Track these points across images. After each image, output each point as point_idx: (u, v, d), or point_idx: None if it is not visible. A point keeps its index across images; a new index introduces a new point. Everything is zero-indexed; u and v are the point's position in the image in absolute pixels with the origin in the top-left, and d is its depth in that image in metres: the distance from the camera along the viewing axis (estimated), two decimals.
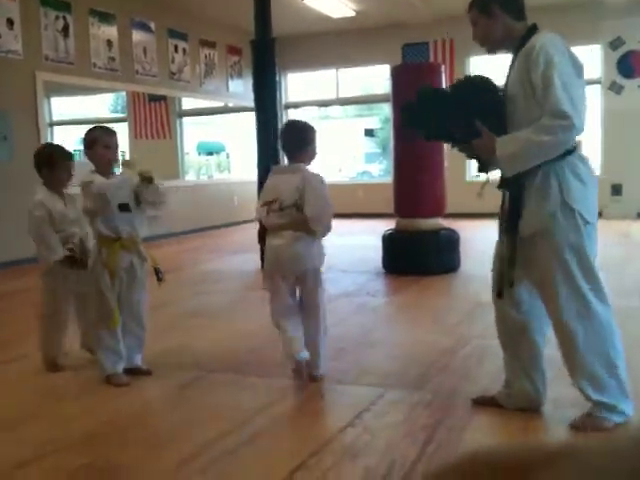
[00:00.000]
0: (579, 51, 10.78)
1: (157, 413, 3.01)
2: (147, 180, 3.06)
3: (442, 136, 2.85)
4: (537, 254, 2.47)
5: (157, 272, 3.29)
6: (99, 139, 3.18)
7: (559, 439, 2.52)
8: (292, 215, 2.99)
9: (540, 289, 2.52)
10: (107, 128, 3.35)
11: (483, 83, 2.60)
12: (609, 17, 10.11)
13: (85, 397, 3.14)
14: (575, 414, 2.67)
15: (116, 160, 3.24)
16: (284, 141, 3.17)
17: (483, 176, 2.69)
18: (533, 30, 2.52)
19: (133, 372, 3.31)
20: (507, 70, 2.58)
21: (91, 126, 3.33)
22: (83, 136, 3.26)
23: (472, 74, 2.76)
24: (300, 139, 3.10)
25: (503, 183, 2.57)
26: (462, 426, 2.61)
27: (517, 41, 2.51)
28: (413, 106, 2.71)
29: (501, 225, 2.64)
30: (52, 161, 3.40)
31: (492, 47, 2.60)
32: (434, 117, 2.63)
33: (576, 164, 2.43)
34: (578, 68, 2.40)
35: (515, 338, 2.64)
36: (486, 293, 5.12)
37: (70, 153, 3.55)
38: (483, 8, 2.54)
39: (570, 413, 2.67)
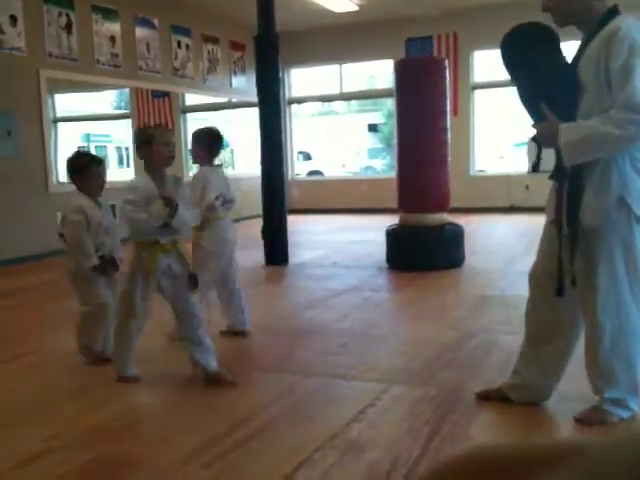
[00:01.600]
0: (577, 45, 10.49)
1: (163, 408, 3.02)
2: (169, 205, 2.98)
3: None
4: (587, 247, 2.38)
5: (191, 278, 3.15)
6: (158, 135, 3.11)
7: (564, 435, 2.52)
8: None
9: (581, 279, 2.43)
10: (162, 126, 3.43)
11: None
12: None
13: (91, 393, 3.15)
14: (580, 408, 2.67)
15: (173, 157, 3.14)
16: (218, 145, 3.72)
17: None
18: (615, 12, 2.31)
19: (215, 380, 3.13)
20: (576, 52, 2.39)
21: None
22: (137, 134, 3.19)
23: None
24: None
25: (558, 174, 2.44)
26: (467, 421, 2.61)
27: (594, 21, 2.30)
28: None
29: (553, 220, 2.49)
30: (82, 167, 3.45)
31: (564, 20, 2.38)
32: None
33: (638, 158, 2.30)
34: None
35: (545, 333, 2.57)
36: (491, 287, 5.16)
37: (101, 159, 3.59)
38: None
39: (575, 407, 2.67)
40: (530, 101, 2.41)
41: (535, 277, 2.60)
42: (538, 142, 2.48)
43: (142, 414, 2.89)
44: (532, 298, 2.62)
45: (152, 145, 3.05)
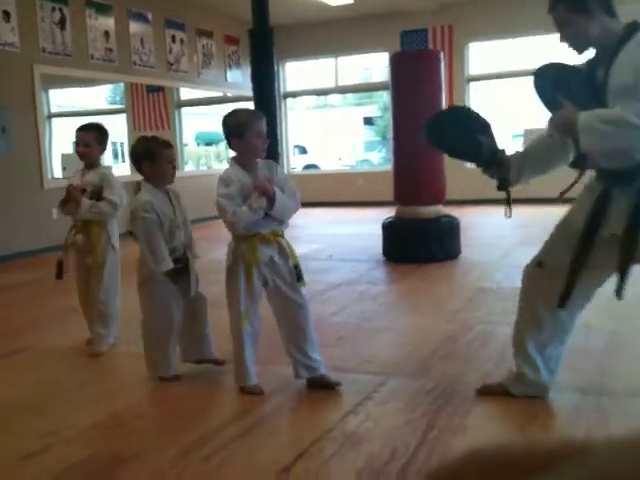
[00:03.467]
0: None
1: (162, 404, 3.03)
2: (265, 195, 2.74)
3: (467, 152, 2.66)
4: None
5: (296, 270, 2.89)
6: (251, 125, 2.78)
7: (560, 425, 2.53)
8: None
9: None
10: (256, 111, 3.04)
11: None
12: None
13: (89, 389, 3.16)
14: (576, 399, 2.68)
15: (265, 150, 2.86)
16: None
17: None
18: (637, 25, 2.30)
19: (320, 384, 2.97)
20: (599, 62, 2.34)
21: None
22: (226, 120, 2.84)
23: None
24: None
25: (618, 183, 2.33)
26: (464, 412, 2.62)
27: (615, 39, 2.29)
28: (435, 119, 2.59)
29: (592, 230, 2.40)
30: (152, 152, 3.06)
31: (585, 47, 2.36)
32: (459, 130, 2.52)
33: None
34: None
35: (545, 315, 2.58)
36: (487, 279, 5.16)
37: (169, 142, 3.24)
38: (575, 4, 2.28)
39: (571, 397, 2.69)
40: (548, 93, 2.40)
41: (545, 269, 2.55)
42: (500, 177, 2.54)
43: (140, 411, 2.89)
44: (540, 287, 2.58)
45: (244, 136, 2.76)
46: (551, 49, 11.39)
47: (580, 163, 2.51)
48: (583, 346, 3.18)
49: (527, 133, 11.32)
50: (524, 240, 7.06)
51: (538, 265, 2.58)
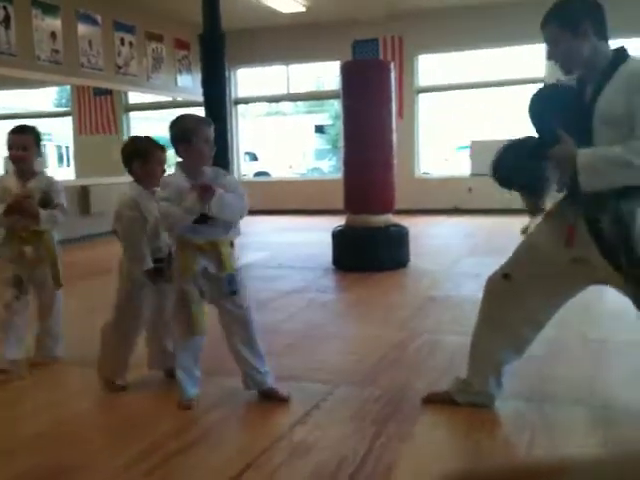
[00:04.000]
0: (524, 50, 10.86)
1: (107, 413, 2.95)
2: (205, 193, 2.68)
3: (534, 189, 2.61)
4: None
5: (229, 281, 2.82)
6: (198, 131, 2.74)
7: (505, 433, 2.57)
8: None
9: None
10: (204, 118, 2.97)
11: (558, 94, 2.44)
12: None
13: (36, 398, 3.06)
14: (520, 406, 2.73)
15: (212, 157, 2.82)
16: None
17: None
18: (625, 52, 2.33)
19: (269, 396, 2.92)
20: (587, 83, 2.35)
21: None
22: (173, 126, 2.79)
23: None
24: None
25: (592, 206, 2.30)
26: (412, 420, 2.64)
27: (603, 62, 2.29)
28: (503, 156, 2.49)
29: (578, 258, 2.38)
30: (144, 152, 3.00)
31: (573, 67, 2.36)
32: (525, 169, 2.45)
33: None
34: None
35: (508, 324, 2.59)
36: (436, 288, 5.22)
37: (163, 145, 3.11)
38: (569, 24, 2.27)
39: (516, 405, 2.73)
40: (543, 123, 2.37)
41: (512, 281, 2.56)
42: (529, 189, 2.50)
43: (83, 421, 2.81)
44: (508, 297, 2.58)
45: (191, 142, 2.71)
46: (499, 62, 11.68)
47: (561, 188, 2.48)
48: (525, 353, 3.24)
49: (474, 145, 11.56)
50: (472, 249, 7.19)
51: (504, 277, 2.58)
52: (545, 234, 2.52)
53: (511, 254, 2.62)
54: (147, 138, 3.12)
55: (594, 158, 2.22)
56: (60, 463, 2.36)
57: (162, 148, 3.08)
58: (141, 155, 2.99)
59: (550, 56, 2.38)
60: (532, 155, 2.41)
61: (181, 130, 2.76)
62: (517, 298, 2.55)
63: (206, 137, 2.75)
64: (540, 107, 2.41)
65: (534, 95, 2.43)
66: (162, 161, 3.05)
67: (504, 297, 2.59)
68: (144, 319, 3.11)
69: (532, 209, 2.58)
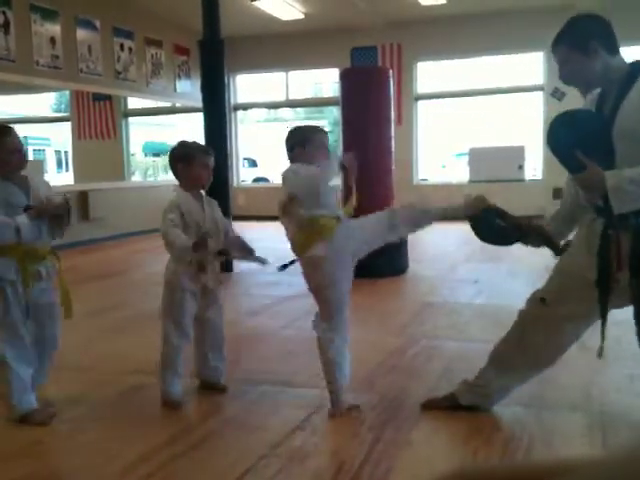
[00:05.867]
0: (523, 58, 10.95)
1: (102, 419, 2.94)
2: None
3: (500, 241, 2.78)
4: None
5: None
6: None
7: (505, 437, 2.57)
8: None
9: None
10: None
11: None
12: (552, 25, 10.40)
13: None
14: (519, 412, 2.74)
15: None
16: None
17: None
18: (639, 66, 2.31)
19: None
20: (605, 99, 2.33)
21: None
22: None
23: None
24: None
25: (617, 224, 2.29)
26: (409, 426, 2.64)
27: (619, 76, 2.28)
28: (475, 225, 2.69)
29: (611, 273, 2.35)
30: (188, 156, 2.99)
31: (590, 85, 2.36)
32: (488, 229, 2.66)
33: None
34: None
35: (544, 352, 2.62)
36: (433, 294, 5.23)
37: (208, 149, 3.12)
38: (578, 44, 2.27)
39: (517, 411, 2.74)
40: (566, 151, 2.33)
41: (548, 306, 2.55)
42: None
43: (79, 425, 2.80)
44: (543, 321, 2.57)
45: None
46: (497, 70, 11.72)
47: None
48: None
49: (472, 152, 11.58)
50: (469, 256, 7.19)
51: (541, 301, 2.56)
52: (577, 256, 2.49)
53: (549, 275, 2.61)
54: (193, 142, 3.14)
55: (622, 180, 2.18)
56: (56, 469, 2.37)
57: (207, 152, 3.05)
58: (185, 159, 2.98)
59: (562, 76, 2.37)
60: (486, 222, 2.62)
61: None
62: (552, 323, 2.54)
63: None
64: (562, 135, 2.36)
65: (554, 123, 2.38)
66: (206, 165, 3.02)
67: (539, 320, 2.58)
68: (189, 328, 3.05)
69: (553, 252, 2.60)
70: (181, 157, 3.01)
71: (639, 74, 2.26)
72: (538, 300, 2.59)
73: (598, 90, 2.38)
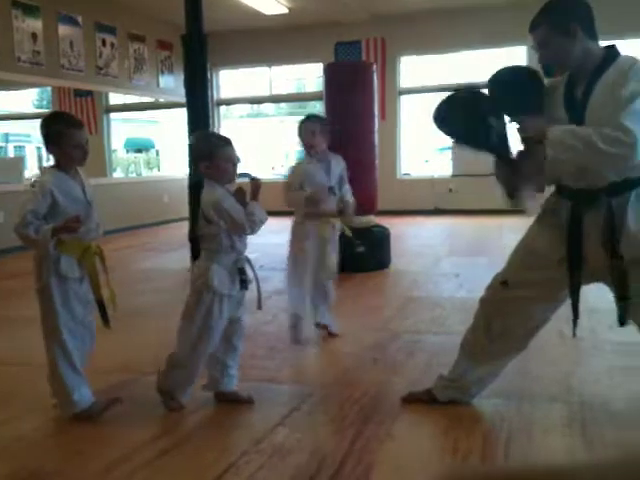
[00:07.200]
0: (506, 52, 10.92)
1: (83, 420, 2.93)
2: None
3: (475, 137, 2.53)
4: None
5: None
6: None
7: (485, 430, 2.59)
8: None
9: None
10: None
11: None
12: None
13: (10, 404, 3.03)
14: (499, 403, 2.76)
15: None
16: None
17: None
18: (616, 50, 2.33)
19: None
20: (577, 82, 2.35)
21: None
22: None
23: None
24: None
25: (584, 202, 2.33)
26: (390, 421, 2.66)
27: (595, 61, 2.30)
28: (445, 105, 2.50)
29: (574, 253, 2.38)
30: (208, 153, 2.79)
31: (566, 67, 2.38)
32: (468, 117, 2.46)
33: None
34: None
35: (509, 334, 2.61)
36: (416, 289, 5.26)
37: (228, 139, 2.90)
38: (559, 26, 2.28)
39: (497, 402, 2.76)
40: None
41: (510, 288, 2.55)
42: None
43: (62, 424, 2.79)
44: (502, 305, 2.57)
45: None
46: (480, 64, 11.75)
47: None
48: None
49: (455, 146, 11.61)
50: (451, 250, 7.24)
51: (502, 284, 2.56)
52: (539, 237, 2.51)
53: (507, 259, 2.61)
54: (215, 134, 3.07)
55: (563, 132, 2.22)
56: (37, 469, 2.35)
57: (227, 142, 2.86)
58: (205, 156, 2.81)
59: (541, 58, 2.37)
60: (486, 115, 2.40)
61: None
62: (516, 305, 2.54)
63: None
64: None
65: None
66: (230, 157, 2.84)
67: (502, 305, 2.57)
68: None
69: (509, 192, 2.51)
70: (201, 156, 2.85)
71: (612, 60, 2.28)
72: (499, 284, 2.58)
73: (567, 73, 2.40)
